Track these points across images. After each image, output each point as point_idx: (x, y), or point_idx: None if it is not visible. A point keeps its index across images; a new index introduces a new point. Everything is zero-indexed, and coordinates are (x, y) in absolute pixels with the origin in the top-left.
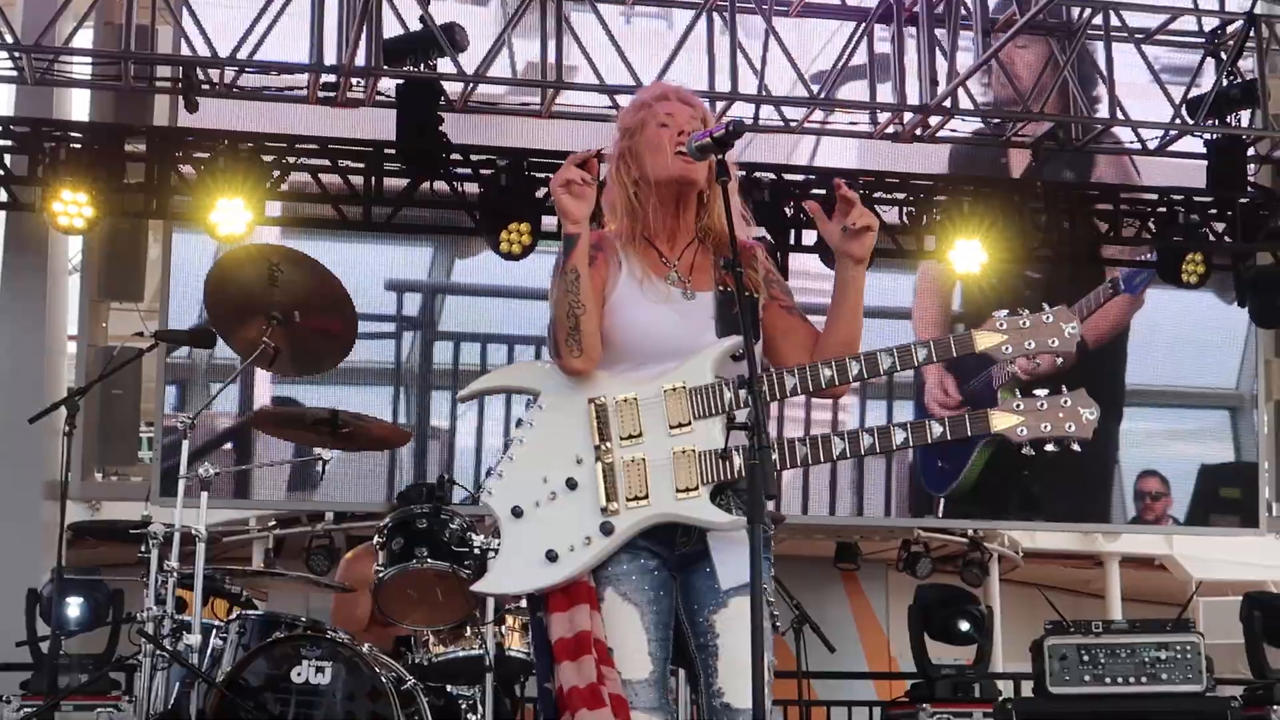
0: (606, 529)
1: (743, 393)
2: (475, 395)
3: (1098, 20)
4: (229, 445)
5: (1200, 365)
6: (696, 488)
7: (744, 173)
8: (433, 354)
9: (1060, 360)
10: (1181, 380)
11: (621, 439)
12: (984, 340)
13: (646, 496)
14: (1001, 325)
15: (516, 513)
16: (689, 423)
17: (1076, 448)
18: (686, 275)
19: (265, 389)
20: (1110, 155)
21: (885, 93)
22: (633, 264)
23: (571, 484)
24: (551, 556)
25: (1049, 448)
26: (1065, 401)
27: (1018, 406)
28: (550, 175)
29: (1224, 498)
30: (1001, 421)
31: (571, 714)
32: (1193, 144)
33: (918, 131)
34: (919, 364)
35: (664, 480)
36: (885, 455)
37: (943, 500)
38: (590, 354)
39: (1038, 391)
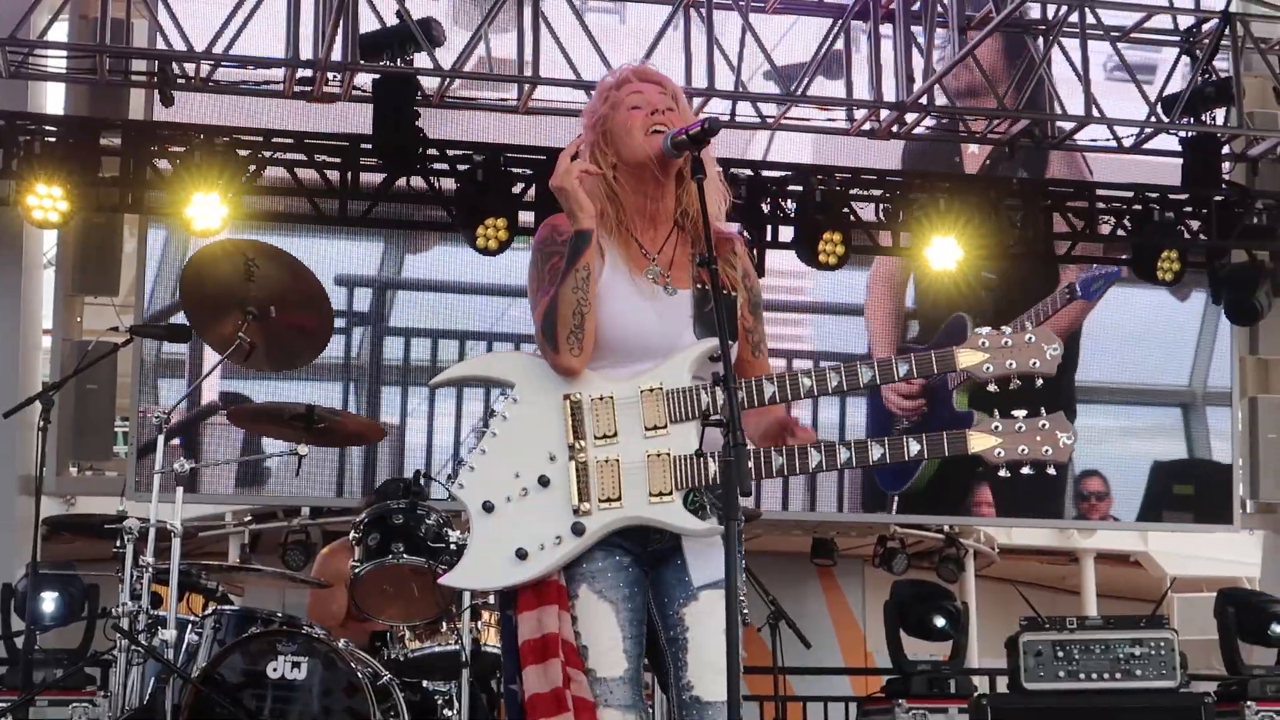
0: (578, 529)
1: (720, 394)
2: (449, 383)
3: (1073, 18)
4: (177, 441)
5: (1153, 362)
6: (670, 492)
7: (720, 169)
8: (383, 349)
9: (1040, 377)
10: (1134, 378)
11: (596, 438)
12: (966, 359)
13: (619, 499)
14: (984, 344)
15: (487, 507)
16: (665, 426)
17: (1052, 471)
18: (667, 270)
19: (214, 383)
20: (1067, 153)
21: (861, 88)
22: (615, 256)
23: (544, 481)
24: (521, 554)
25: (1025, 470)
26: (1043, 425)
27: (995, 429)
28: (527, 170)
29: (1177, 494)
30: (979, 443)
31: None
32: (1165, 141)
33: (894, 128)
34: (899, 378)
35: (637, 483)
36: (860, 469)
37: (896, 498)
38: (587, 354)
39: (1016, 413)
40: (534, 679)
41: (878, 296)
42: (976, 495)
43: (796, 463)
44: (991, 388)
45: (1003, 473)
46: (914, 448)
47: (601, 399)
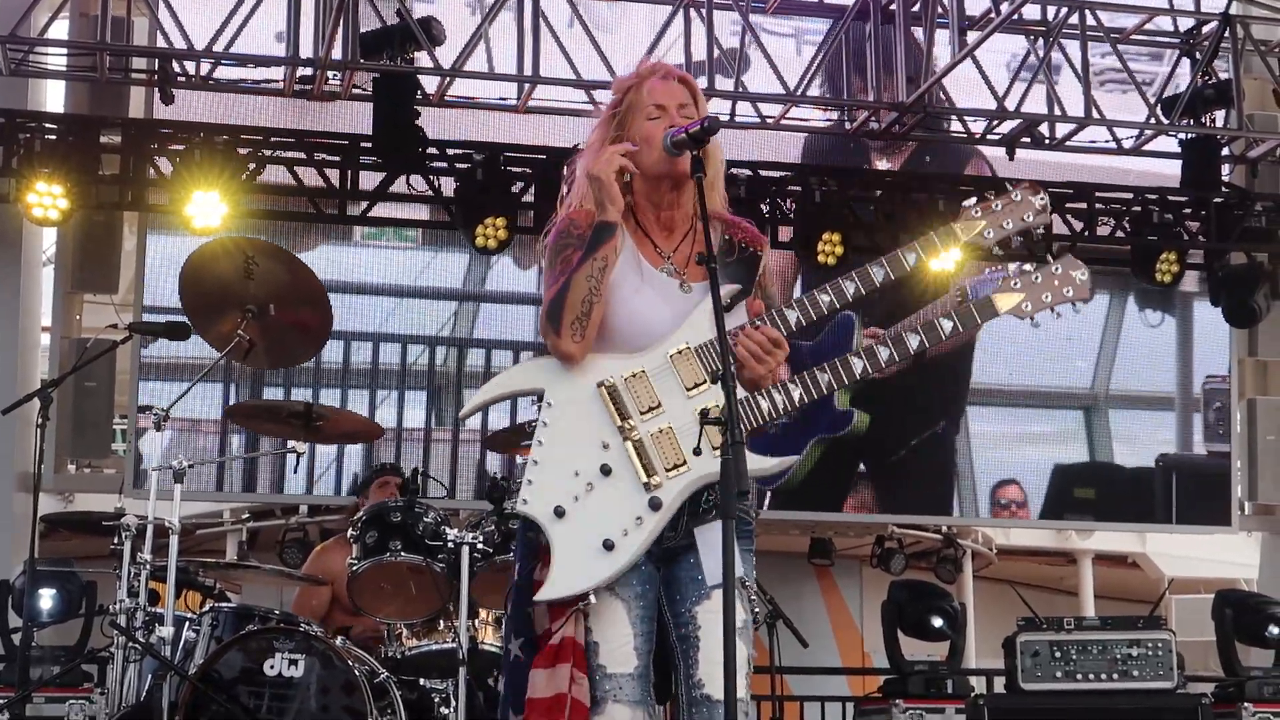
0: (655, 504)
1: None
2: (477, 409)
3: (1073, 20)
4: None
5: (1054, 365)
6: None
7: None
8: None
9: (1076, 303)
10: (1033, 381)
11: (642, 413)
12: (1005, 302)
13: (685, 463)
14: (1016, 284)
15: (559, 513)
16: (704, 381)
17: (1077, 309)
18: (682, 268)
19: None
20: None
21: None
22: (632, 251)
23: (606, 470)
24: (608, 545)
25: (1055, 314)
26: (1056, 269)
27: (1015, 285)
28: (527, 170)
29: (1078, 497)
30: (1006, 302)
31: None
32: (1164, 144)
33: (895, 129)
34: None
35: (697, 441)
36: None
37: (769, 494)
38: (588, 344)
39: (1026, 266)
40: (539, 682)
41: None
42: (855, 493)
43: (842, 373)
44: (1030, 322)
45: (1034, 321)
46: (946, 326)
47: (635, 375)
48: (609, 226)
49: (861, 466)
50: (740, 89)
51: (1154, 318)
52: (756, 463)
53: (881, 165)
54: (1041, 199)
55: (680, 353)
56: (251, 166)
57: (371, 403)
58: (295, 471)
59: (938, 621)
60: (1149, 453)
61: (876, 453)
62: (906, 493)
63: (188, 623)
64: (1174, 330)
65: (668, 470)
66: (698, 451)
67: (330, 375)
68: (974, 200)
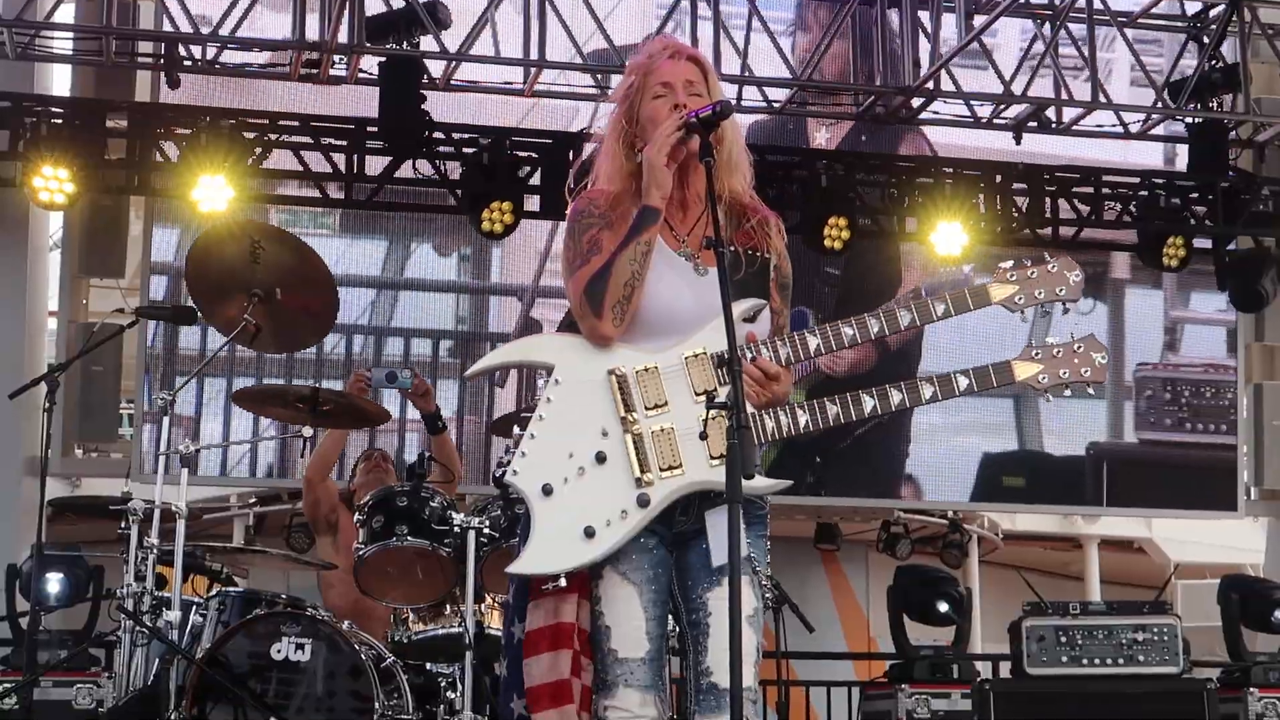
0: (643, 500)
1: (766, 352)
2: (484, 371)
3: (1080, 3)
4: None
5: (987, 356)
6: None
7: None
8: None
9: (1066, 303)
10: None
11: (647, 409)
12: (1023, 370)
13: (680, 465)
14: (1011, 276)
15: (547, 490)
16: (715, 388)
17: (1091, 391)
18: (696, 252)
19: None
20: (914, 133)
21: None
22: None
23: (601, 457)
24: (589, 532)
25: (1066, 393)
26: (1078, 347)
27: (1036, 355)
28: (533, 154)
29: (1007, 486)
30: (1024, 371)
31: (537, 712)
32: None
33: (901, 113)
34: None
35: (695, 448)
36: (911, 409)
37: None
38: (625, 327)
39: (1050, 340)
40: (538, 669)
41: None
42: (811, 480)
43: (851, 409)
44: (1020, 317)
45: (1047, 397)
46: (962, 382)
47: (646, 370)
48: (654, 211)
49: (817, 458)
50: (747, 73)
51: (1085, 305)
52: (754, 482)
53: (818, 144)
54: (1077, 276)
55: (696, 356)
56: (258, 151)
57: None
58: (302, 456)
59: (943, 606)
60: (1080, 441)
61: (828, 442)
62: (855, 479)
63: (195, 607)
64: (1105, 318)
65: (662, 470)
66: (704, 436)
67: (246, 364)
68: (1011, 264)
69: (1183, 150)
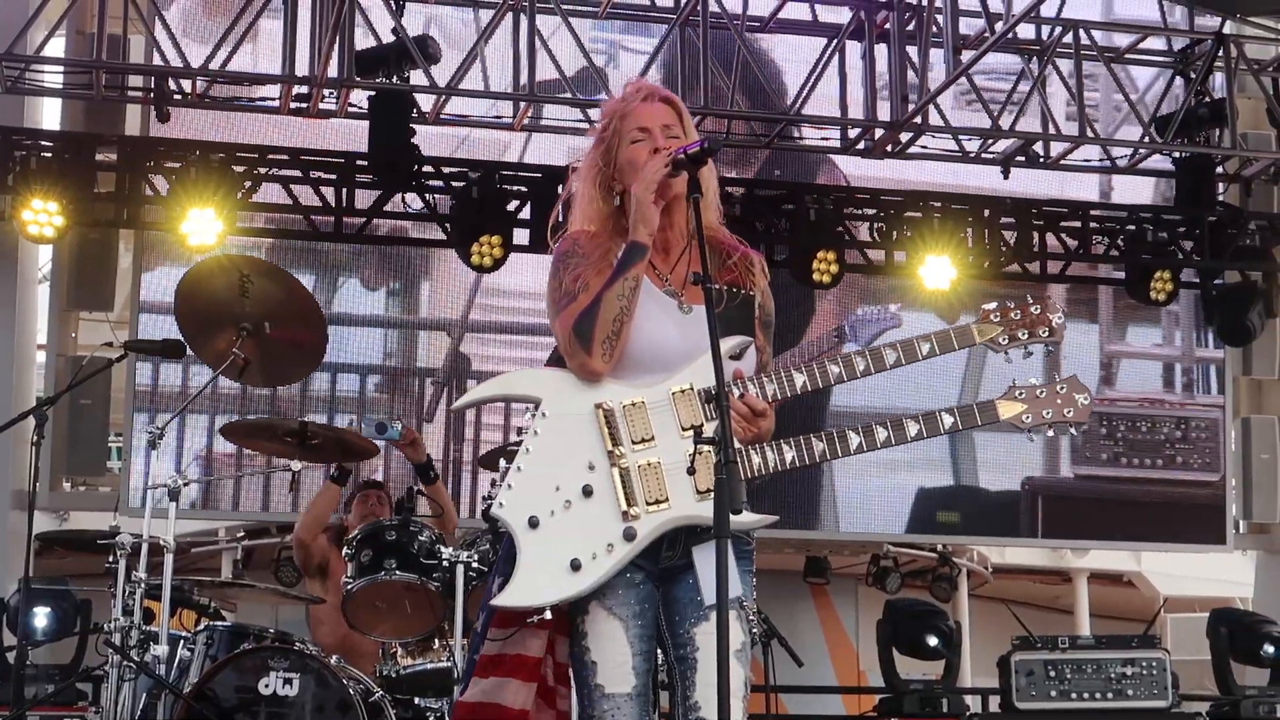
0: (629, 534)
1: (753, 388)
2: (471, 405)
3: (1067, 39)
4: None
5: (919, 391)
6: None
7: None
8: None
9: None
10: (899, 404)
11: (634, 443)
12: (1007, 410)
13: (667, 500)
14: (1021, 395)
15: (533, 523)
16: (702, 424)
17: (1074, 431)
18: (680, 290)
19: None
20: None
21: (855, 109)
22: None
23: (588, 491)
24: (575, 565)
25: (1049, 432)
26: (1061, 388)
27: (1020, 395)
28: (522, 188)
29: (941, 522)
30: (1008, 411)
31: None
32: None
33: (888, 148)
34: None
35: (682, 483)
36: (897, 445)
37: None
38: (615, 362)
39: (1032, 380)
40: (475, 689)
41: None
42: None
43: (837, 446)
44: (1027, 436)
45: (1031, 436)
46: (947, 421)
47: (634, 405)
48: (640, 248)
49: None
50: (735, 108)
51: None
52: (739, 517)
53: (731, 175)
54: (1059, 318)
55: (683, 392)
56: (247, 184)
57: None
58: (291, 490)
59: (933, 640)
60: (1015, 476)
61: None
62: (778, 509)
63: (182, 641)
64: (1040, 352)
65: (648, 504)
66: (691, 470)
67: (169, 399)
68: (995, 305)
69: (1170, 184)
